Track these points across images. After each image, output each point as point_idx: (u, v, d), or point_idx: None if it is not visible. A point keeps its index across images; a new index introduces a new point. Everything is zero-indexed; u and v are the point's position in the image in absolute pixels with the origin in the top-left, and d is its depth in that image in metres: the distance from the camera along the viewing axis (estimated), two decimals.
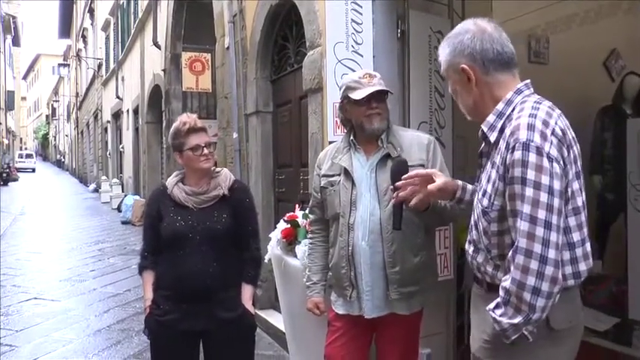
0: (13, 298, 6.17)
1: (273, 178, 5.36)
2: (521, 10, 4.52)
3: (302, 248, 3.03)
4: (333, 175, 2.38)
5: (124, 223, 13.02)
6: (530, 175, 1.39)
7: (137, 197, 13.64)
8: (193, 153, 2.44)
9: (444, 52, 1.67)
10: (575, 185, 1.48)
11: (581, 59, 4.48)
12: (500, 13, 4.60)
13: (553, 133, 1.43)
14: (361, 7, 3.21)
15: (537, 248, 1.38)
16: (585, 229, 1.52)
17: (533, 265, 1.38)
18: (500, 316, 1.45)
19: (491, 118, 1.58)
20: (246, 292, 2.51)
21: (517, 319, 1.41)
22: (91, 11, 24.30)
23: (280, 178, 5.24)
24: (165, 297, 2.45)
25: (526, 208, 1.39)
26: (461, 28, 1.64)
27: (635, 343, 3.62)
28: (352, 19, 3.23)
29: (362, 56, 3.22)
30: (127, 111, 16.15)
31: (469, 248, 1.68)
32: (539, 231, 1.38)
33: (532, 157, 1.39)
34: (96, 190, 21.63)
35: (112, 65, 19.27)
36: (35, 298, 6.16)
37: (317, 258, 2.52)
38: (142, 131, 13.79)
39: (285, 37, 5.13)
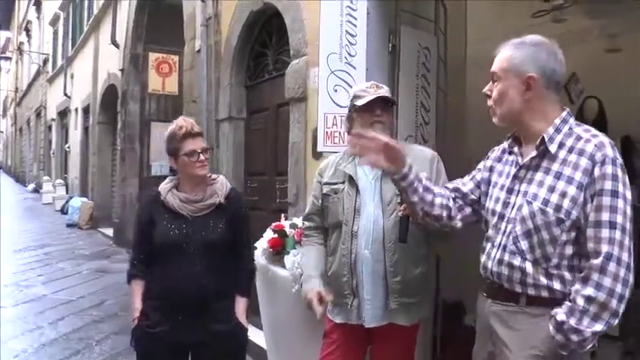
0: None
1: (244, 186, 5.27)
2: (493, 31, 4.67)
3: (291, 258, 2.97)
4: (336, 183, 2.35)
5: (69, 226, 12.48)
6: (621, 188, 1.50)
7: (85, 199, 13.11)
8: (189, 159, 2.34)
9: (514, 54, 1.67)
10: None
11: None
12: (474, 33, 4.77)
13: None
14: (356, 19, 3.22)
15: (625, 257, 1.48)
16: None
17: (622, 272, 1.47)
18: (577, 324, 1.48)
19: (550, 130, 1.63)
20: (240, 304, 2.44)
21: (599, 327, 1.47)
22: (38, 4, 23.30)
23: (252, 186, 5.16)
24: (155, 307, 2.34)
25: (619, 219, 1.48)
26: (536, 39, 1.67)
27: (598, 354, 3.78)
28: (347, 31, 3.23)
29: (355, 68, 3.22)
30: (76, 110, 15.52)
31: (511, 259, 1.65)
32: (627, 241, 1.49)
33: (619, 173, 1.51)
34: (36, 191, 20.69)
35: (59, 61, 18.52)
36: None
37: (314, 257, 2.44)
38: (92, 131, 13.29)
39: (264, 44, 5.08)
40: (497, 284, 1.70)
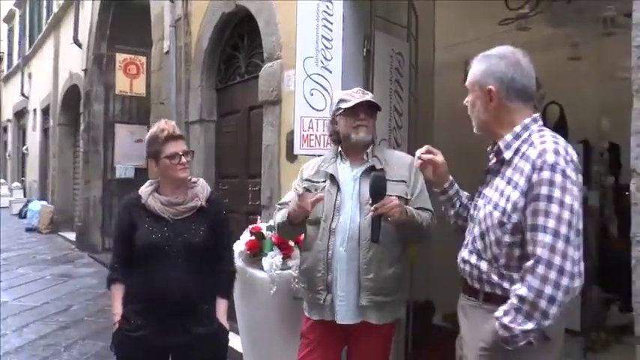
0: None
1: (216, 189, 5.25)
2: (460, 38, 4.82)
3: (269, 260, 3.00)
4: (317, 182, 2.41)
5: (29, 230, 12.13)
6: (557, 193, 1.52)
7: (44, 203, 12.75)
8: (170, 161, 2.34)
9: (477, 68, 1.76)
10: (581, 210, 1.61)
11: None
12: (442, 39, 4.90)
13: (572, 160, 1.59)
14: (332, 23, 3.28)
15: (557, 260, 1.50)
16: (581, 250, 1.64)
17: (552, 275, 1.50)
18: (510, 322, 1.54)
19: (508, 137, 1.70)
20: (221, 306, 2.44)
21: (529, 325, 1.52)
22: None
23: (224, 189, 5.16)
24: (136, 311, 2.32)
25: (551, 223, 1.52)
26: (500, 51, 1.74)
27: None
28: (323, 36, 3.28)
29: (331, 72, 3.28)
30: (35, 110, 15.09)
31: (469, 258, 1.77)
32: (560, 244, 1.51)
33: (558, 178, 1.53)
34: None
35: (15, 60, 17.97)
36: None
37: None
38: (53, 133, 12.93)
39: (235, 46, 5.08)
40: (464, 279, 1.81)
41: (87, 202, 9.62)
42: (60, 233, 11.71)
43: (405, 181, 2.35)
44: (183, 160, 2.36)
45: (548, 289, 1.50)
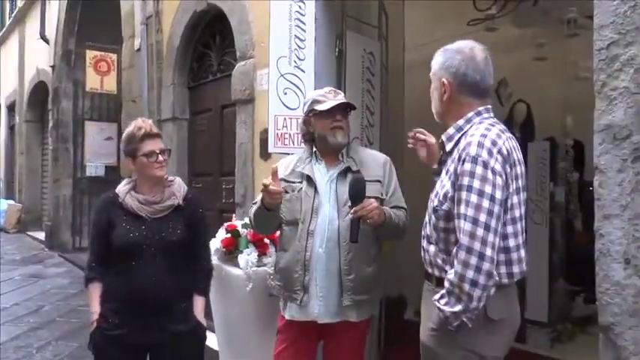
0: None
1: (189, 186, 5.23)
2: (429, 38, 4.91)
3: (244, 257, 3.04)
4: (294, 182, 2.42)
5: None
6: (476, 184, 1.62)
7: (12, 202, 12.48)
8: (147, 159, 2.36)
9: (436, 60, 1.85)
10: (515, 199, 1.72)
11: None
12: (411, 39, 4.99)
13: (499, 152, 1.66)
14: (305, 24, 3.32)
15: (477, 246, 1.59)
16: (521, 237, 1.76)
17: (473, 260, 1.59)
18: (444, 305, 1.65)
19: (451, 130, 1.81)
20: (199, 304, 2.47)
21: (457, 308, 1.62)
22: None
23: (197, 187, 5.16)
24: (114, 309, 2.33)
25: (469, 212, 1.61)
26: (459, 46, 1.82)
27: (528, 339, 4.10)
28: (295, 35, 3.32)
29: (304, 72, 3.32)
30: None
31: (423, 242, 1.89)
32: (480, 231, 1.59)
33: (479, 170, 1.62)
34: None
35: None
36: None
37: None
38: (19, 130, 12.66)
39: (207, 45, 5.08)
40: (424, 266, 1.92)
41: (57, 201, 9.46)
42: (28, 233, 11.51)
43: (380, 181, 2.40)
44: (161, 158, 2.38)
45: (470, 274, 1.59)
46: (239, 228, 3.22)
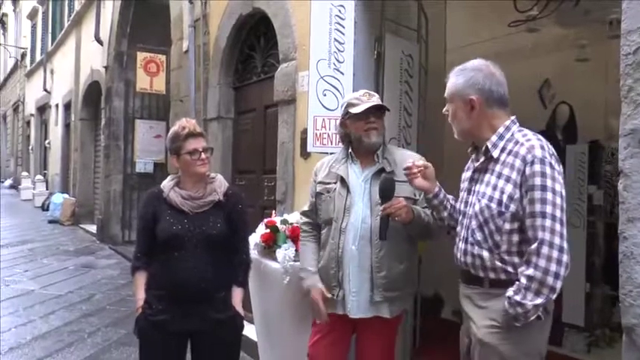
0: None
1: (232, 184, 5.42)
2: (472, 39, 4.91)
3: (282, 252, 3.16)
4: (329, 183, 2.55)
5: (51, 222, 12.46)
6: (549, 183, 1.75)
7: (66, 196, 13.09)
8: (191, 157, 2.51)
9: (456, 81, 1.98)
10: (564, 203, 1.81)
11: (520, 87, 4.92)
12: (454, 40, 5.00)
13: (553, 154, 1.82)
14: (344, 27, 3.42)
15: (557, 240, 1.72)
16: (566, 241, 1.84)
17: (555, 254, 1.71)
18: (522, 299, 1.74)
19: (494, 138, 1.92)
20: (237, 294, 2.59)
21: (539, 300, 1.73)
22: None
23: (240, 184, 5.33)
24: (158, 297, 2.48)
25: (548, 209, 1.73)
26: (474, 65, 1.97)
27: (565, 343, 4.07)
28: (335, 39, 3.42)
29: (343, 74, 3.42)
30: (57, 105, 15.44)
31: (471, 249, 1.95)
32: (558, 227, 1.73)
33: (548, 170, 1.76)
34: (13, 187, 20.43)
35: (38, 56, 18.34)
36: None
37: (310, 253, 2.65)
38: (74, 128, 13.25)
39: (252, 47, 5.24)
40: (466, 270, 1.99)
41: (107, 196, 9.88)
42: (81, 225, 12.03)
43: None
44: (203, 156, 2.52)
45: (553, 267, 1.71)
46: (278, 224, 3.34)
